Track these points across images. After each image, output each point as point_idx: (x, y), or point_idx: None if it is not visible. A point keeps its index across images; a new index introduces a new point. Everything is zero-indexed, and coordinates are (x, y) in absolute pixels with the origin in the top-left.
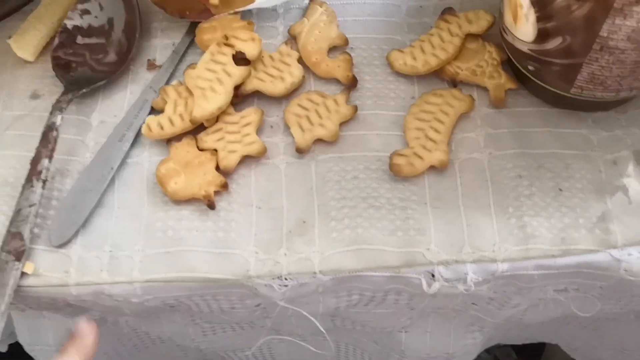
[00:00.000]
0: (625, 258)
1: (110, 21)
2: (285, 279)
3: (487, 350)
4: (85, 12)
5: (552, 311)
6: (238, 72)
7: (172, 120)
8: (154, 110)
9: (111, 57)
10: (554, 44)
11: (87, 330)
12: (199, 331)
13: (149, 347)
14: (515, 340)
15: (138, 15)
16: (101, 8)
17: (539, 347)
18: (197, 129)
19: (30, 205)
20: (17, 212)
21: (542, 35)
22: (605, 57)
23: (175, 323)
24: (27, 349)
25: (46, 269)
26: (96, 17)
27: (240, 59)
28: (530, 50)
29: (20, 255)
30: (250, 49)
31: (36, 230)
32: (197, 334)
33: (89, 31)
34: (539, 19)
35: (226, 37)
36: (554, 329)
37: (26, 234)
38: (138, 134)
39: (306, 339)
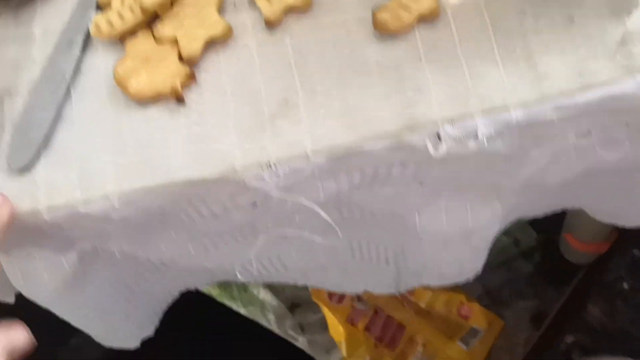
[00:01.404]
0: None
1: None
2: (276, 166)
3: (506, 233)
4: None
5: (575, 164)
6: None
7: (122, 14)
8: (100, 8)
9: None
10: None
11: (16, 326)
12: (200, 247)
13: (154, 272)
14: (537, 212)
15: None
16: None
17: (558, 226)
18: (152, 20)
19: None
20: None
21: None
22: None
23: (171, 242)
24: (25, 293)
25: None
26: None
27: None
28: None
29: None
30: None
31: None
32: (199, 251)
33: None
34: None
35: None
36: (577, 190)
37: None
38: (88, 36)
39: (315, 241)
